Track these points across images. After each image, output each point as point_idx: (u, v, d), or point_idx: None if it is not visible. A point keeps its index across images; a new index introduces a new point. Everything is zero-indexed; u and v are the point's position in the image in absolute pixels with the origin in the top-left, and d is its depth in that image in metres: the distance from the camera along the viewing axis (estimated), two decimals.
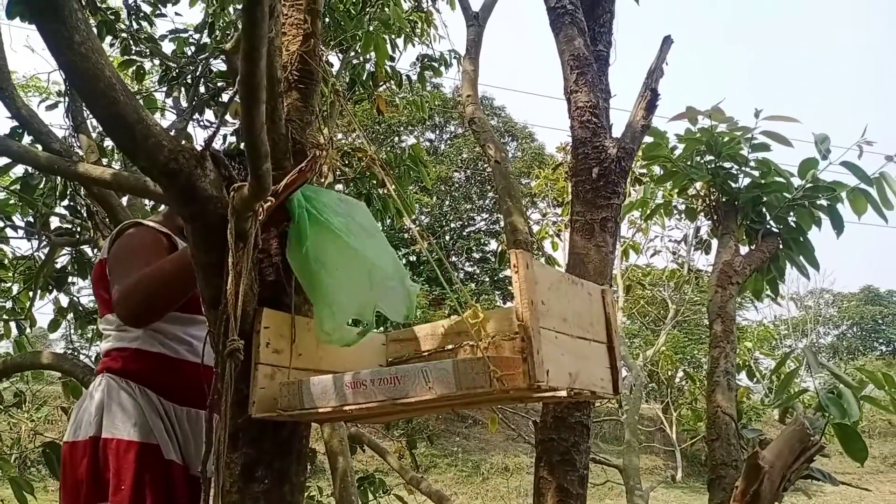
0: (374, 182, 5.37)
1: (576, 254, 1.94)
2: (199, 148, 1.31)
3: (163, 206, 2.11)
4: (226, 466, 1.46)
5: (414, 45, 5.43)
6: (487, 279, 23.50)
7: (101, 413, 1.70)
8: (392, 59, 5.24)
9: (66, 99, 2.79)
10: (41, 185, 3.40)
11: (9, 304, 4.22)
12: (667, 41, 2.07)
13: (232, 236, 1.20)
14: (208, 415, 1.86)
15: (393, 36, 4.97)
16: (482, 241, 24.18)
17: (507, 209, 2.22)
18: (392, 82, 5.24)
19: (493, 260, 22.65)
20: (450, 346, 1.64)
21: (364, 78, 5.19)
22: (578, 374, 1.27)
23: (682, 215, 6.05)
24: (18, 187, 3.42)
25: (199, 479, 1.79)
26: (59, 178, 3.48)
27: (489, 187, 25.16)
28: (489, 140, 2.44)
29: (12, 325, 4.31)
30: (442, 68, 5.33)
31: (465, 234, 24.54)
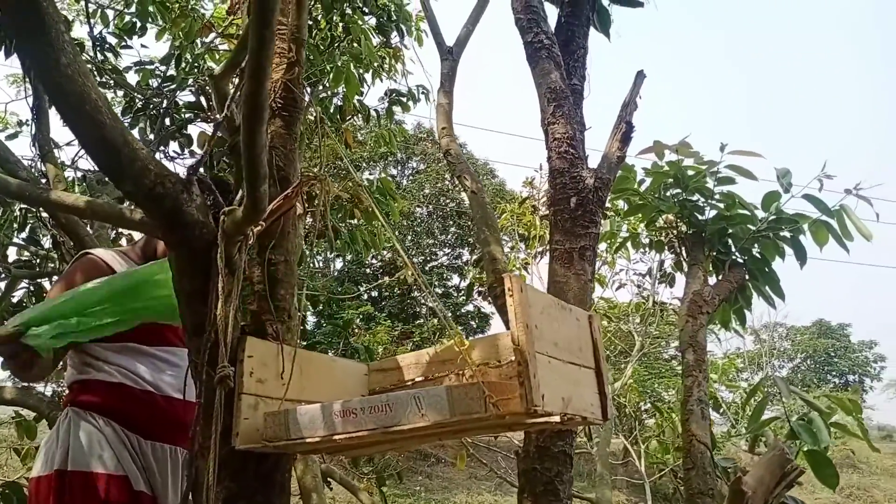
0: (341, 215, 5.36)
1: (556, 282, 1.96)
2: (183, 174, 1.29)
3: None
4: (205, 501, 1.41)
5: (382, 80, 5.48)
6: (450, 313, 23.48)
7: (67, 446, 1.64)
8: (360, 93, 5.28)
9: (33, 127, 2.73)
10: None
11: None
12: (640, 76, 2.13)
13: (222, 260, 1.18)
14: (187, 448, 1.81)
15: (362, 71, 5.01)
16: (445, 275, 24.21)
17: (485, 238, 2.23)
18: (359, 116, 5.26)
19: (456, 295, 22.67)
20: (435, 375, 1.63)
21: (332, 112, 5.21)
22: (571, 400, 1.26)
23: (647, 248, 6.16)
24: None
25: None
26: (16, 208, 3.39)
27: (451, 222, 25.31)
28: (465, 171, 2.46)
29: None
30: (410, 103, 5.38)
31: (427, 268, 24.55)
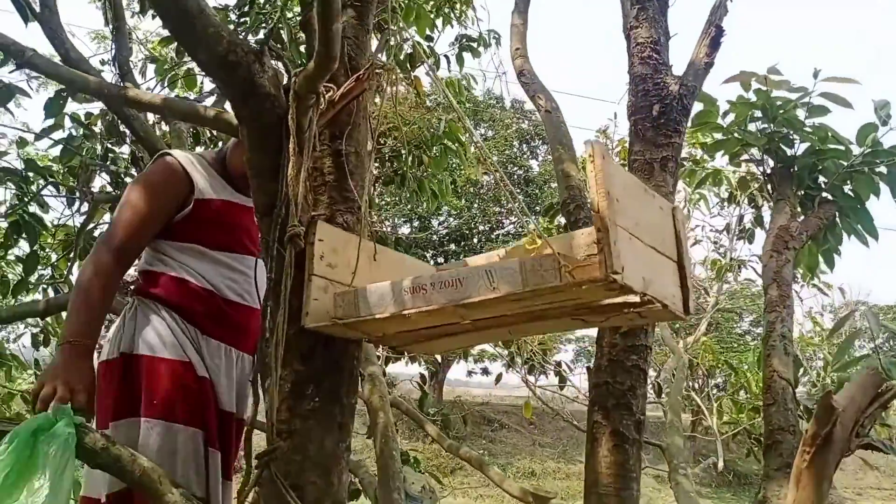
0: (409, 164, 5.33)
1: None
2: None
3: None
4: (275, 383, 1.41)
5: (452, 27, 5.38)
6: None
7: (133, 332, 1.68)
8: (430, 38, 5.21)
9: (113, 48, 2.79)
10: (83, 149, 3.40)
11: (48, 272, 4.25)
12: None
13: (293, 121, 1.15)
14: (245, 351, 1.84)
15: (432, 16, 4.93)
16: (510, 244, 24.06)
17: (559, 156, 2.15)
18: (430, 61, 5.19)
19: None
20: None
21: (402, 59, 5.16)
22: (652, 282, 1.19)
23: (725, 202, 5.90)
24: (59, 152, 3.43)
25: (227, 413, 1.76)
26: (99, 141, 3.49)
27: (519, 190, 25.08)
28: (539, 91, 2.38)
29: (51, 292, 4.35)
30: (481, 48, 5.27)
31: (493, 236, 24.46)
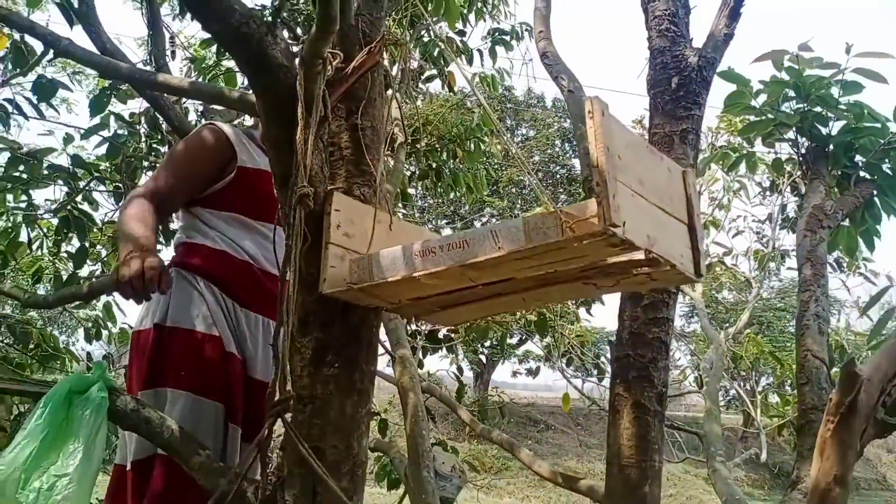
0: (444, 157, 5.37)
1: None
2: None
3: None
4: (296, 350, 1.46)
5: (485, 21, 5.40)
6: None
7: (168, 303, 1.74)
8: (462, 33, 5.24)
9: (149, 42, 2.91)
10: (128, 146, 3.53)
11: (97, 268, 4.41)
12: None
13: (300, 87, 1.20)
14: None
15: (464, 10, 4.96)
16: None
17: (581, 134, 2.16)
18: (463, 57, 5.22)
19: None
20: None
21: (434, 55, 5.20)
22: (657, 240, 1.20)
23: (766, 192, 5.78)
24: (105, 150, 3.56)
25: (255, 380, 1.81)
26: (143, 139, 3.62)
27: (561, 189, 24.89)
28: (562, 71, 2.39)
29: None
30: (514, 42, 5.29)
31: None
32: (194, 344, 1.71)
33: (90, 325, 4.95)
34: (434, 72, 5.29)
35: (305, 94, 1.21)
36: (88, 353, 5.05)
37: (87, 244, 3.94)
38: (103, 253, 4.46)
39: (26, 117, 3.05)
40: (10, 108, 3.00)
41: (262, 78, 1.31)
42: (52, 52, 1.77)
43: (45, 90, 2.65)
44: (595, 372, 5.38)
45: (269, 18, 1.23)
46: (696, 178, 1.43)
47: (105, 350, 5.51)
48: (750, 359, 5.27)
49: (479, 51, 5.27)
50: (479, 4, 5.27)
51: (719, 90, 3.72)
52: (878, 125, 2.86)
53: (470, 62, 5.34)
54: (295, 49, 1.37)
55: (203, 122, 2.69)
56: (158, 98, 2.45)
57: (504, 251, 1.15)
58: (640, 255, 1.19)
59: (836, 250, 3.24)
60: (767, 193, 5.66)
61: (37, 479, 1.22)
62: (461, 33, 5.24)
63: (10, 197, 3.82)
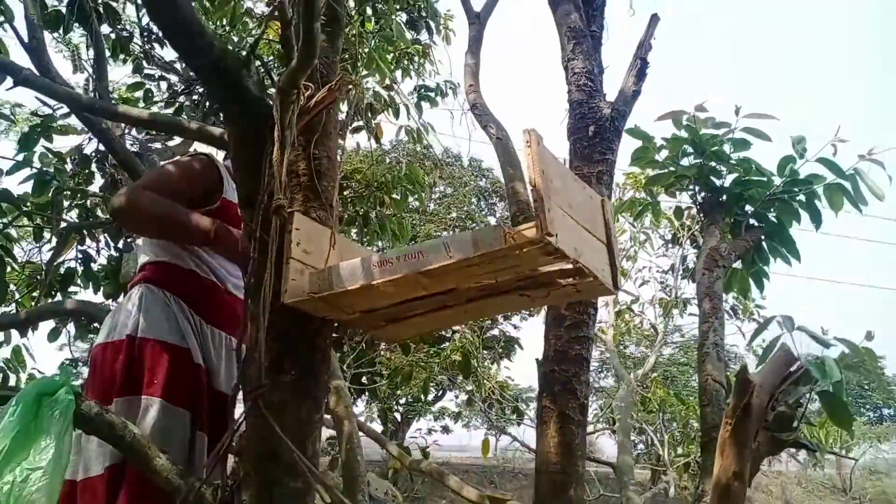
0: (371, 203, 5.55)
1: None
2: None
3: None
4: (255, 360, 1.56)
5: (411, 77, 5.70)
6: (476, 338, 23.39)
7: (139, 316, 1.81)
8: (390, 88, 5.51)
9: (93, 79, 2.97)
10: (57, 184, 3.53)
11: (12, 308, 4.28)
12: (654, 19, 2.29)
13: (277, 113, 1.36)
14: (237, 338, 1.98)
15: (392, 66, 5.24)
16: None
17: (510, 175, 2.39)
18: (389, 110, 5.48)
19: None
20: None
21: (363, 107, 5.43)
22: (583, 253, 1.40)
23: (669, 244, 6.22)
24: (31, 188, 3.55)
25: (218, 392, 1.90)
26: (76, 174, 3.63)
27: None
28: (490, 121, 2.63)
29: (13, 331, 4.37)
30: (438, 98, 5.59)
31: None
32: (165, 354, 1.78)
33: None
34: (361, 123, 5.51)
35: (280, 119, 1.36)
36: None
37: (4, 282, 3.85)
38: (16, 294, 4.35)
39: None
40: None
41: (236, 107, 1.46)
42: (12, 81, 1.84)
43: None
44: (514, 416, 5.56)
45: (245, 54, 1.37)
46: (611, 208, 1.66)
47: None
48: (657, 401, 5.59)
49: (405, 105, 5.54)
50: (406, 63, 5.57)
51: (627, 146, 4.10)
52: (765, 178, 3.25)
53: (396, 115, 5.60)
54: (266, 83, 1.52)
55: (143, 156, 2.77)
56: (106, 132, 2.51)
57: (454, 259, 1.33)
58: (568, 265, 1.39)
59: (731, 292, 3.59)
60: (669, 246, 6.11)
61: (9, 473, 1.27)
62: (388, 88, 5.51)
63: None
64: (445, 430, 23.51)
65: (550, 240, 1.26)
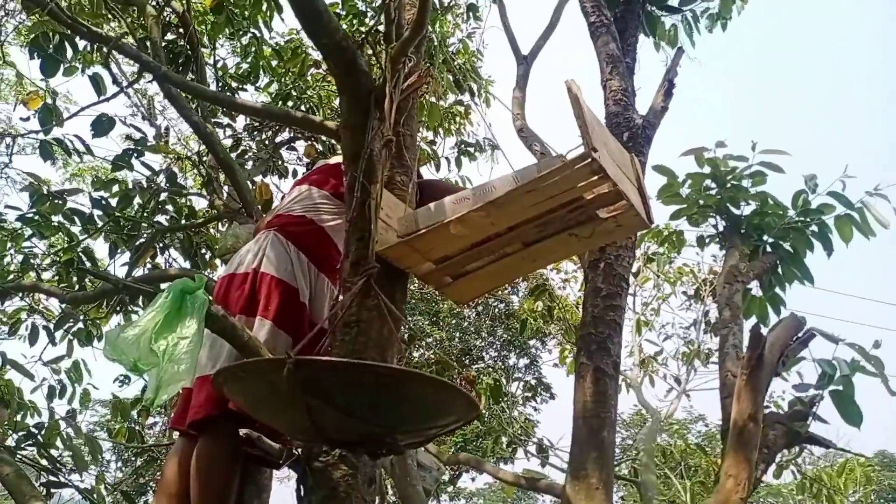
0: None
1: None
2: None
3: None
4: (347, 289, 1.91)
5: (452, 135, 6.20)
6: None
7: (262, 256, 2.18)
8: (433, 143, 6.00)
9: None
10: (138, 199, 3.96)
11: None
12: (679, 51, 2.71)
13: (389, 75, 1.76)
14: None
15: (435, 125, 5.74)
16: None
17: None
18: (431, 162, 5.95)
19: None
20: None
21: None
22: (621, 181, 1.73)
23: (691, 300, 6.46)
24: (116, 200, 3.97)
25: (315, 324, 2.23)
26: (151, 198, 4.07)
27: (499, 323, 25.41)
28: (535, 141, 3.04)
29: (75, 344, 4.76)
30: (477, 153, 6.07)
31: (475, 368, 24.50)
32: (281, 289, 2.15)
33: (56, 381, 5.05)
34: None
35: (391, 79, 1.77)
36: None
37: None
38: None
39: (78, 154, 3.49)
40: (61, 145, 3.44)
41: (351, 79, 1.86)
42: (151, 76, 2.27)
43: (102, 126, 3.11)
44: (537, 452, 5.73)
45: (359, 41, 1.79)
46: (639, 163, 1.99)
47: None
48: (679, 450, 5.72)
49: (446, 158, 6.02)
50: (448, 123, 6.07)
51: (653, 182, 4.46)
52: (780, 211, 3.59)
53: (438, 168, 6.07)
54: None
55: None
56: (208, 136, 2.93)
57: (521, 182, 1.68)
58: (608, 189, 1.71)
59: (750, 317, 3.87)
60: (692, 302, 6.37)
61: (163, 340, 1.60)
62: (431, 143, 6.00)
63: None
64: None
65: (595, 155, 1.60)
